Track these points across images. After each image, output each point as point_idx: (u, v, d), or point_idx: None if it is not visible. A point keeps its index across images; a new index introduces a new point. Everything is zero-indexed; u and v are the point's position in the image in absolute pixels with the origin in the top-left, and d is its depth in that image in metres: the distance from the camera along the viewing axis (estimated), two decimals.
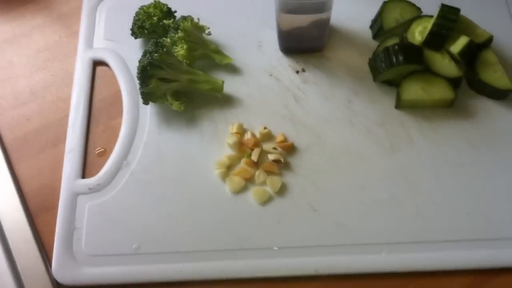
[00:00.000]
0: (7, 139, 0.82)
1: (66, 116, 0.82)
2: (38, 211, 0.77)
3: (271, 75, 0.84)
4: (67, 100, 0.84)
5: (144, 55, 0.77)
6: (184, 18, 0.82)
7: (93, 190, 0.76)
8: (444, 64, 0.79)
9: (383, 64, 0.78)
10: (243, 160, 0.77)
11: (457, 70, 0.79)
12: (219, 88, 0.81)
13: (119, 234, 0.74)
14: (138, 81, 0.78)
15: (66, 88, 0.86)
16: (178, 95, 0.80)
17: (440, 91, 0.78)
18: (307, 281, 0.71)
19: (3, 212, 0.76)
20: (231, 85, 0.83)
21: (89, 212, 0.75)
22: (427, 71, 0.79)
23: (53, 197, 0.77)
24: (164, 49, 0.77)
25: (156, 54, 0.76)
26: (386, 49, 0.78)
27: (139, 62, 0.77)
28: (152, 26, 0.84)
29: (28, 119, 0.84)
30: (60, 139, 0.81)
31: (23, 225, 0.75)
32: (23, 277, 0.72)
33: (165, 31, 0.84)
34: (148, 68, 0.76)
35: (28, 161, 0.81)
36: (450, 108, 0.80)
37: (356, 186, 0.75)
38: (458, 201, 0.73)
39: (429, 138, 0.78)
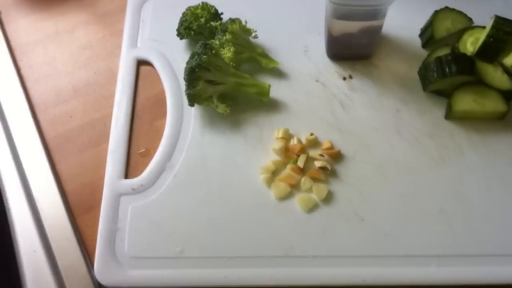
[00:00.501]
0: (49, 136, 0.82)
1: (109, 115, 0.81)
2: (79, 211, 0.76)
3: (317, 81, 0.83)
4: (110, 98, 0.83)
5: (192, 56, 0.76)
6: (232, 20, 0.82)
7: (136, 191, 0.75)
8: (497, 77, 0.78)
9: (435, 74, 0.77)
10: (289, 166, 0.76)
11: (510, 83, 0.77)
12: (265, 92, 0.80)
13: (162, 236, 0.72)
14: (185, 83, 0.76)
15: (109, 87, 0.85)
16: (223, 98, 0.79)
17: (493, 103, 0.76)
18: None
19: (45, 211, 0.75)
20: (276, 89, 0.82)
21: (132, 213, 0.74)
22: (479, 83, 0.78)
23: (95, 197, 0.76)
24: (213, 51, 0.76)
25: (204, 56, 0.75)
26: (439, 58, 0.77)
27: (187, 63, 0.76)
28: (199, 28, 0.83)
29: (70, 117, 0.83)
30: (102, 138, 0.80)
31: (64, 224, 0.74)
32: (64, 278, 0.71)
33: (211, 33, 0.83)
34: (196, 70, 0.75)
35: (70, 159, 0.80)
36: (501, 120, 0.78)
37: (404, 197, 0.73)
38: (510, 216, 0.71)
39: (480, 151, 0.76)
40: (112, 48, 0.89)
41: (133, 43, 0.88)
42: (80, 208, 0.76)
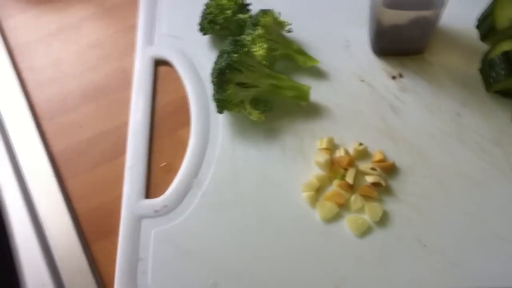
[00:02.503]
0: (56, 149, 0.72)
1: (125, 124, 0.72)
2: (94, 237, 0.66)
3: (362, 81, 0.72)
4: (125, 104, 0.73)
5: (221, 55, 0.66)
6: (264, 12, 0.71)
7: (159, 213, 0.65)
8: None
9: (503, 71, 0.67)
10: (336, 182, 0.66)
11: None
12: (305, 96, 0.69)
13: (191, 266, 0.63)
14: (213, 86, 0.66)
15: (123, 91, 0.75)
16: (257, 103, 0.69)
17: None
18: None
19: (54, 238, 0.66)
20: (316, 92, 0.72)
21: (156, 240, 0.64)
22: None
23: (112, 220, 0.66)
24: (245, 49, 0.66)
25: (235, 55, 0.65)
26: (506, 54, 0.67)
27: (215, 64, 0.66)
28: (226, 21, 0.73)
29: (80, 126, 0.73)
30: (118, 151, 0.71)
31: (77, 254, 0.65)
32: None
33: (238, 27, 0.73)
34: (226, 71, 0.65)
35: (81, 176, 0.70)
36: None
37: (471, 216, 0.64)
38: None
39: None
40: (124, 46, 0.79)
41: (149, 39, 0.78)
42: (95, 234, 0.66)
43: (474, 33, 0.75)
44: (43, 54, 0.79)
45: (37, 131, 0.73)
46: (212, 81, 0.67)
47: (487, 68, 0.70)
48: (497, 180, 0.66)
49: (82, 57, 0.79)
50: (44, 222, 0.67)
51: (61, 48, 0.79)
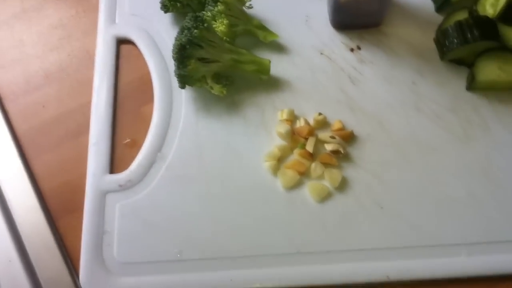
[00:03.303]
0: (20, 130, 0.72)
1: (88, 103, 0.72)
2: (60, 213, 0.67)
3: (322, 54, 0.74)
4: (88, 83, 0.74)
5: (182, 31, 0.66)
6: None
7: (123, 187, 0.66)
8: None
9: (455, 40, 0.69)
10: (297, 151, 0.67)
11: None
12: (265, 70, 0.70)
13: (156, 238, 0.64)
14: (175, 62, 0.67)
15: (86, 70, 0.75)
16: (218, 77, 0.70)
17: None
18: None
19: (20, 215, 0.67)
20: (277, 65, 0.73)
21: (120, 213, 0.65)
22: (502, 49, 0.69)
23: (77, 197, 0.67)
24: (205, 24, 0.66)
25: (195, 31, 0.65)
26: (459, 23, 0.69)
27: (176, 40, 0.67)
28: None
29: (43, 106, 0.73)
30: (82, 129, 0.71)
31: (43, 230, 0.66)
32: None
33: (200, 4, 0.74)
34: (187, 46, 0.65)
35: (46, 155, 0.70)
36: None
37: (427, 180, 0.66)
38: None
39: (507, 125, 0.68)
40: (86, 26, 0.79)
41: (111, 19, 0.78)
42: (60, 210, 0.67)
43: (430, 5, 0.77)
44: (6, 36, 0.79)
45: (1, 112, 0.73)
46: (173, 57, 0.67)
47: (441, 38, 0.71)
48: (452, 145, 0.68)
49: (44, 38, 0.78)
50: (10, 200, 0.67)
51: (24, 30, 0.79)
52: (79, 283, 0.62)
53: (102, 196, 0.66)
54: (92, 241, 0.64)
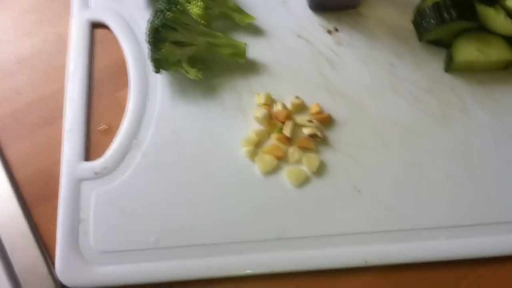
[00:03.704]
0: None
1: (62, 89, 0.71)
2: (35, 202, 0.66)
3: (299, 36, 0.73)
4: (62, 69, 0.72)
5: (155, 14, 0.65)
6: None
7: (99, 174, 0.65)
8: (499, 21, 0.69)
9: (432, 20, 0.68)
10: (274, 136, 0.66)
11: None
12: (241, 53, 0.69)
13: (133, 225, 0.63)
14: (149, 46, 0.66)
15: (60, 55, 0.73)
16: (194, 61, 0.69)
17: (498, 52, 0.68)
18: (356, 273, 0.62)
19: None
20: (254, 49, 0.72)
21: (96, 201, 0.64)
22: (480, 29, 0.69)
23: (52, 184, 0.66)
24: (179, 7, 0.65)
25: (169, 13, 0.64)
26: (436, 4, 0.68)
27: (149, 23, 0.65)
28: None
29: (18, 93, 0.72)
30: (56, 116, 0.70)
31: (18, 219, 0.64)
32: (21, 280, 0.62)
33: None
34: (160, 29, 0.64)
35: (20, 142, 0.69)
36: (506, 70, 0.70)
37: (405, 163, 0.65)
38: None
39: (486, 106, 0.68)
40: (60, 10, 0.77)
41: (85, 2, 0.76)
42: (35, 199, 0.66)
43: None
44: None
45: None
46: (147, 41, 0.66)
47: (419, 19, 0.71)
48: (430, 127, 0.67)
49: (17, 23, 0.76)
50: None
51: None
52: (55, 273, 0.61)
53: (78, 183, 0.65)
54: (68, 230, 0.63)
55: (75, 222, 0.63)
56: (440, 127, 0.67)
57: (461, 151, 0.66)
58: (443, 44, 0.71)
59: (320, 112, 0.68)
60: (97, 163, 0.66)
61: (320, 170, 0.65)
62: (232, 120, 0.68)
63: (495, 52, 0.68)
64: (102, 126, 0.69)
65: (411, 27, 0.72)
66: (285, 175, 0.65)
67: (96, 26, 0.75)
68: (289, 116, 0.67)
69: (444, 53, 0.71)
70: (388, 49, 0.72)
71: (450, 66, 0.69)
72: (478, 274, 0.61)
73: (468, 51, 0.68)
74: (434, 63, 0.71)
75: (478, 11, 0.69)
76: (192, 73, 0.67)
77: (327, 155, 0.66)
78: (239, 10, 0.73)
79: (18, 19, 0.76)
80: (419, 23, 0.70)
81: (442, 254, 0.62)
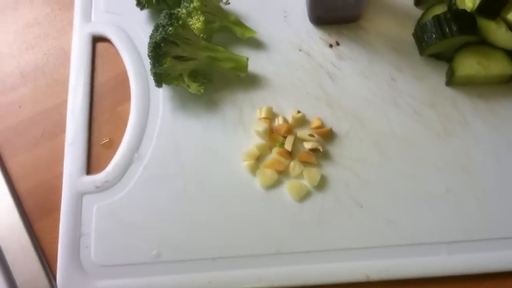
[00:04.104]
0: None
1: (64, 102, 0.71)
2: (36, 215, 0.66)
3: (300, 50, 0.73)
4: (64, 83, 0.73)
5: (156, 29, 0.66)
6: None
7: (100, 188, 0.65)
8: (500, 34, 0.69)
9: (434, 35, 0.68)
10: (275, 150, 0.66)
11: None
12: (243, 67, 0.70)
13: (134, 239, 0.63)
14: (150, 61, 0.66)
15: (63, 69, 0.74)
16: (195, 75, 0.69)
17: (499, 66, 0.68)
18: None
19: None
20: (255, 62, 0.72)
21: (98, 215, 0.64)
22: (482, 43, 0.69)
23: (54, 198, 0.66)
24: (180, 22, 0.65)
25: (170, 28, 0.65)
26: (437, 17, 0.68)
27: (151, 37, 0.66)
28: None
29: (19, 106, 0.72)
30: (58, 129, 0.70)
31: (19, 232, 0.65)
32: None
33: (176, 1, 0.73)
34: (161, 44, 0.64)
35: (22, 155, 0.70)
36: (507, 84, 0.70)
37: (406, 177, 0.65)
38: None
39: (487, 120, 0.68)
40: (62, 24, 0.77)
41: (87, 17, 0.76)
42: (37, 212, 0.66)
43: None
44: None
45: None
46: (149, 55, 0.66)
47: (420, 33, 0.71)
48: (431, 140, 0.67)
49: (20, 37, 0.77)
50: None
51: None
52: (56, 286, 0.61)
53: (79, 197, 0.65)
54: (69, 243, 0.63)
55: (77, 235, 0.63)
56: (441, 140, 0.67)
57: (462, 165, 0.66)
58: (444, 58, 0.71)
59: (321, 126, 0.68)
60: (98, 177, 0.66)
61: (321, 184, 0.65)
62: (233, 134, 0.68)
63: (497, 66, 0.68)
64: (104, 140, 0.69)
65: (412, 40, 0.72)
66: (286, 189, 0.65)
67: (98, 39, 0.75)
68: (290, 130, 0.67)
69: (445, 67, 0.71)
70: (388, 62, 0.72)
71: (451, 80, 0.69)
72: None
73: (469, 65, 0.68)
74: (435, 76, 0.71)
75: (479, 25, 0.69)
76: (194, 88, 0.68)
77: (328, 169, 0.66)
78: (240, 24, 0.73)
79: (21, 34, 0.77)
80: (420, 37, 0.70)
81: (444, 269, 0.61)
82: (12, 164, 0.69)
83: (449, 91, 0.70)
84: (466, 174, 0.65)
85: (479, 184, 0.65)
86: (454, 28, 0.67)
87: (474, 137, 0.67)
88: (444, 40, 0.67)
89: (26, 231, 0.65)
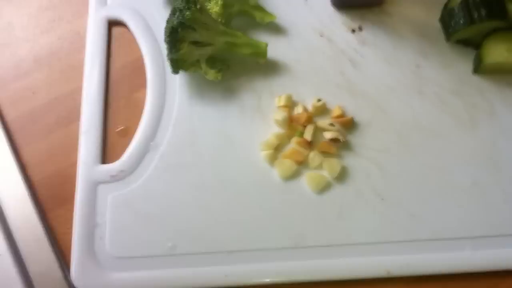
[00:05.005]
0: (9, 117, 0.70)
1: (79, 88, 0.69)
2: (50, 205, 0.65)
3: (321, 36, 0.70)
4: (79, 68, 0.71)
5: (173, 13, 0.64)
6: None
7: (116, 178, 0.64)
8: None
9: (461, 20, 0.65)
10: (294, 140, 0.64)
11: None
12: (262, 53, 0.67)
13: (149, 231, 0.62)
14: (166, 46, 0.64)
15: (77, 54, 0.72)
16: (213, 61, 0.67)
17: None
18: (377, 284, 0.60)
19: (9, 206, 0.65)
20: (275, 48, 0.70)
21: (113, 205, 0.63)
22: (511, 29, 0.66)
23: (68, 187, 0.65)
24: (197, 5, 0.63)
25: (188, 12, 0.62)
26: (465, 2, 0.65)
27: (167, 22, 0.64)
28: None
29: (33, 93, 0.71)
30: (73, 116, 0.69)
31: (33, 222, 0.64)
32: (35, 284, 0.61)
33: None
34: (178, 29, 0.62)
35: (36, 143, 0.68)
36: None
37: (430, 169, 0.63)
38: None
39: None
40: (78, 7, 0.75)
41: (102, 0, 0.74)
42: (51, 202, 0.65)
43: None
44: None
45: None
46: (165, 41, 0.64)
47: (447, 18, 0.68)
48: (457, 131, 0.65)
49: (34, 21, 0.75)
50: None
51: (13, 12, 0.76)
52: (70, 277, 0.60)
53: (94, 187, 0.64)
54: (84, 234, 0.62)
55: (91, 226, 0.62)
56: (467, 131, 0.65)
57: (489, 156, 0.63)
58: (472, 44, 0.68)
59: (343, 115, 0.65)
60: (113, 166, 0.65)
61: (342, 175, 0.63)
62: (251, 122, 0.66)
63: None
64: (119, 128, 0.67)
65: (438, 26, 0.70)
66: (305, 181, 0.63)
67: (113, 24, 0.74)
68: (310, 119, 0.65)
69: (472, 53, 0.68)
70: (414, 49, 0.69)
71: (478, 68, 0.66)
72: (507, 285, 0.59)
73: (498, 52, 0.65)
74: (462, 64, 0.68)
75: (509, 10, 0.66)
76: (211, 74, 0.66)
77: (349, 160, 0.64)
78: (260, 8, 0.71)
79: (36, 17, 0.75)
80: (447, 22, 0.68)
81: (468, 266, 0.59)
82: (26, 152, 0.68)
83: (476, 79, 0.67)
84: (493, 166, 0.63)
85: (507, 177, 0.62)
86: (483, 12, 0.64)
87: (501, 127, 0.65)
88: (472, 26, 0.65)
89: (40, 221, 0.64)
